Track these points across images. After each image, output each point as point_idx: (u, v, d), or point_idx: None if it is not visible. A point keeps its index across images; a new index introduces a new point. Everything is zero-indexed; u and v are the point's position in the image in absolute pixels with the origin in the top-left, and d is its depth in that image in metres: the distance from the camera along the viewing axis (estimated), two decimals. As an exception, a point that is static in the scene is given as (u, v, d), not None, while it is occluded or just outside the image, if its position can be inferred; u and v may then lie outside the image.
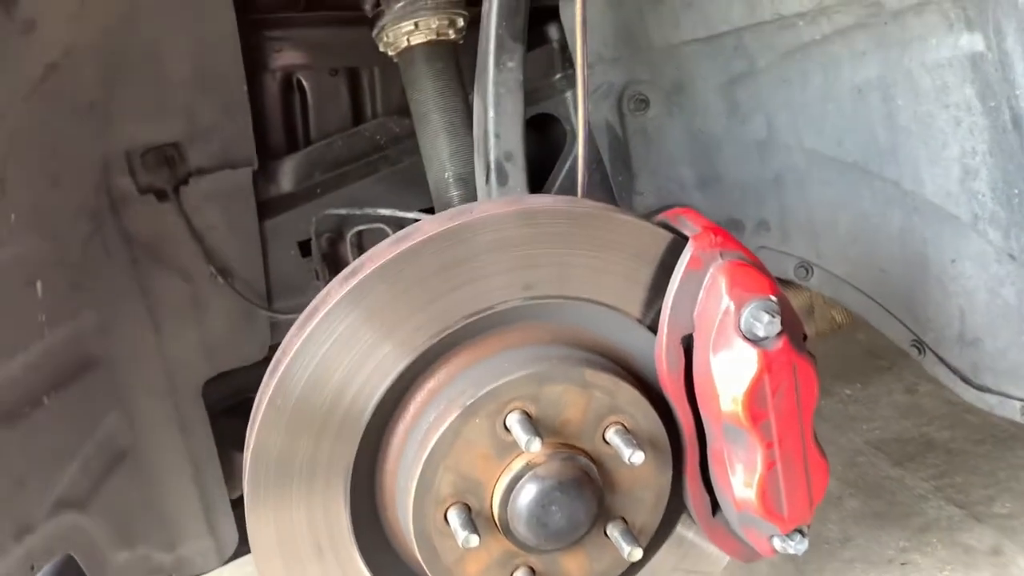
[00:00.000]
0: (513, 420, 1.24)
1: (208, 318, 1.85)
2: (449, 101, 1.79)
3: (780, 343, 1.24)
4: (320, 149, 2.00)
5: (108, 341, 1.71)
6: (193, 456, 1.87)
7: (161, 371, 1.81)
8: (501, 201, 1.41)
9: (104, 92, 1.62)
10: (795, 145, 1.78)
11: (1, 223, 1.47)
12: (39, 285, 1.55)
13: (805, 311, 2.00)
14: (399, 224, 1.78)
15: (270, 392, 1.22)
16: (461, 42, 1.84)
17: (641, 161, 1.91)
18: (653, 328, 1.33)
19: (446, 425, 1.23)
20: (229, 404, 1.98)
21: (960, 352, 1.71)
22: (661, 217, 1.36)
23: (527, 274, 1.27)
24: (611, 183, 1.93)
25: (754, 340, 1.24)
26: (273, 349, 1.68)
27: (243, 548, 1.96)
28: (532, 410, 1.25)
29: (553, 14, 1.93)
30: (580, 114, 1.47)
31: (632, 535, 1.32)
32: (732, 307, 1.25)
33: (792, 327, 1.27)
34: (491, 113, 1.57)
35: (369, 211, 1.87)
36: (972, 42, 1.50)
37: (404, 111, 1.94)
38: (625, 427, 1.29)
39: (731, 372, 1.25)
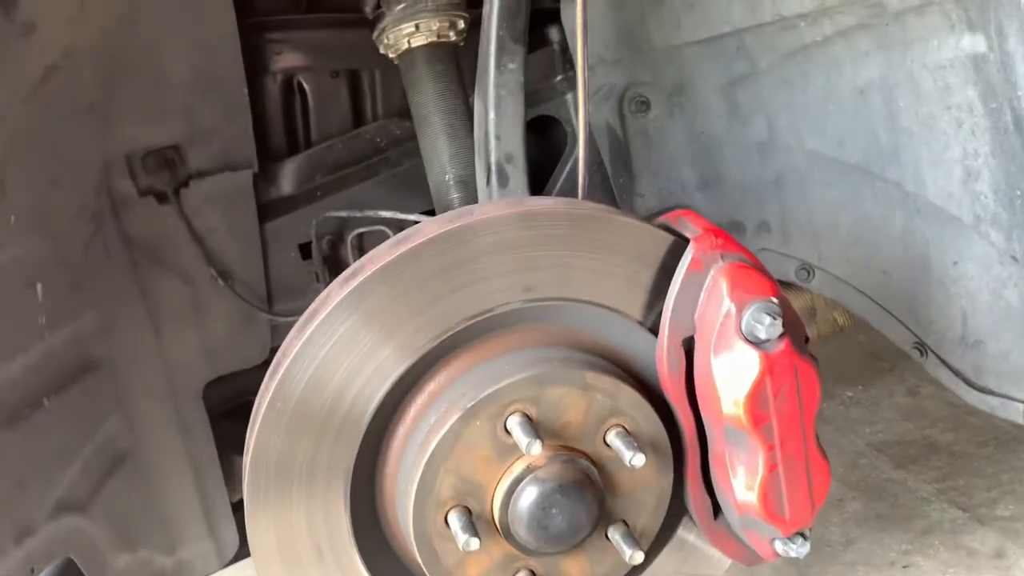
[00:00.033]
0: (514, 422, 1.24)
1: (208, 320, 1.85)
2: (450, 103, 1.79)
3: (782, 345, 1.24)
4: (321, 151, 2.00)
5: (108, 343, 1.71)
6: (193, 459, 1.87)
7: (161, 373, 1.81)
8: (502, 203, 1.41)
9: (104, 94, 1.62)
10: (796, 146, 1.77)
11: (1, 225, 1.47)
12: (39, 287, 1.55)
13: (806, 313, 1.99)
14: (400, 226, 1.78)
15: (270, 394, 1.22)
16: (462, 44, 1.84)
17: (642, 163, 1.91)
18: (654, 330, 1.32)
19: (447, 427, 1.22)
20: (229, 407, 1.97)
21: (962, 354, 1.71)
22: (662, 219, 1.36)
23: (528, 276, 1.27)
24: (612, 185, 1.93)
25: (755, 342, 1.24)
26: (274, 352, 1.68)
27: (244, 551, 1.96)
28: (533, 412, 1.25)
29: (554, 16, 1.93)
30: (581, 116, 1.47)
31: (633, 538, 1.31)
32: (733, 309, 1.24)
33: (793, 329, 1.27)
34: (492, 115, 1.57)
35: (370, 213, 1.87)
36: (974, 43, 1.50)
37: (405, 113, 1.94)
38: (626, 429, 1.29)
39: (732, 374, 1.24)
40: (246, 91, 1.80)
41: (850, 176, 1.73)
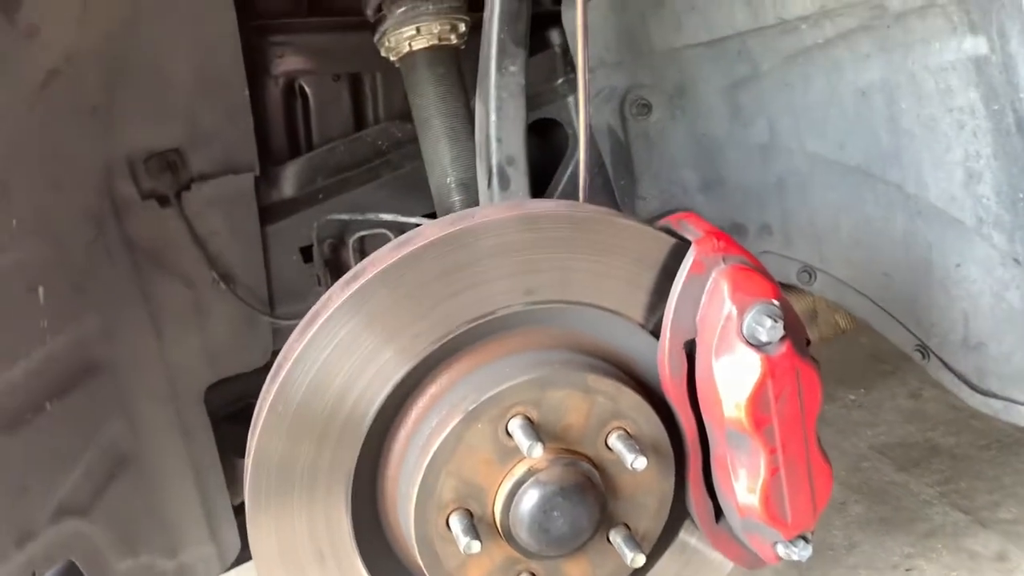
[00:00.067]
0: (515, 425, 1.24)
1: (210, 324, 1.85)
2: (451, 106, 1.79)
3: (783, 348, 1.24)
4: (322, 154, 2.00)
5: (110, 347, 1.71)
6: (195, 462, 1.87)
7: (163, 377, 1.81)
8: (503, 205, 1.41)
9: (106, 97, 1.62)
10: (797, 149, 1.77)
11: (3, 228, 1.47)
12: (41, 291, 1.55)
13: (808, 315, 1.99)
14: (401, 229, 1.78)
15: (271, 398, 1.22)
16: (463, 47, 1.84)
17: (643, 165, 1.91)
18: (655, 333, 1.32)
19: (448, 430, 1.22)
20: (231, 410, 1.98)
21: (964, 356, 1.71)
22: (663, 221, 1.36)
23: (529, 279, 1.27)
24: (613, 187, 1.93)
25: (757, 345, 1.23)
26: (275, 355, 1.68)
27: (245, 554, 1.96)
28: (534, 415, 1.25)
29: (555, 19, 1.93)
30: (581, 119, 1.47)
31: (635, 541, 1.31)
32: (735, 312, 1.24)
33: (795, 331, 1.27)
34: (493, 117, 1.57)
35: (371, 216, 1.87)
36: (976, 45, 1.50)
37: (406, 116, 1.94)
38: (628, 432, 1.29)
39: (734, 377, 1.24)
40: (247, 94, 1.80)
41: (851, 178, 1.73)
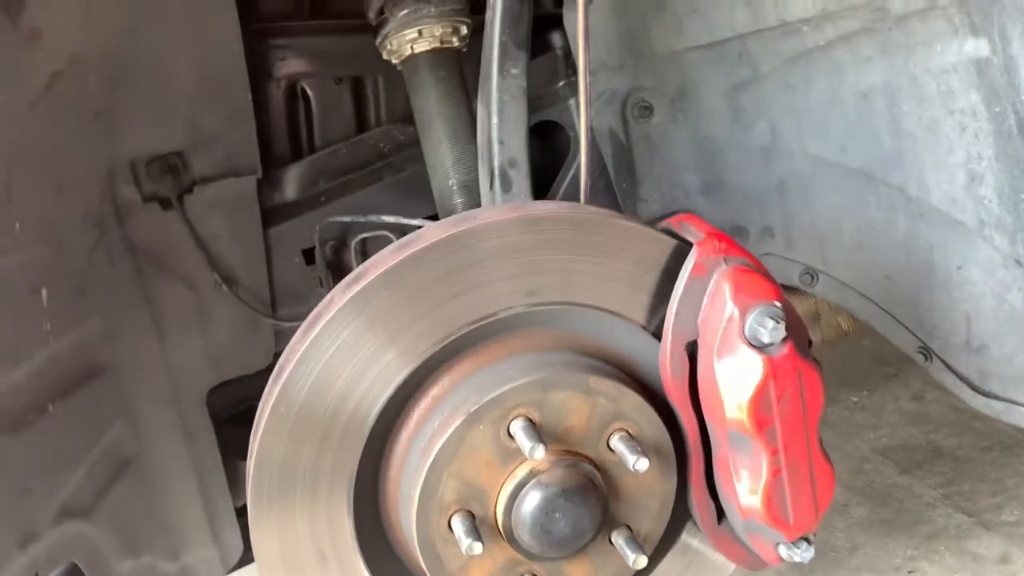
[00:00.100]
0: (517, 427, 1.24)
1: (212, 326, 1.86)
2: (453, 108, 1.79)
3: (785, 349, 1.24)
4: (324, 157, 2.01)
5: (113, 349, 1.71)
6: (197, 464, 1.87)
7: (165, 379, 1.81)
8: (504, 207, 1.41)
9: (109, 100, 1.63)
10: (799, 151, 1.77)
11: (6, 231, 1.47)
12: (44, 293, 1.55)
13: (810, 317, 1.99)
14: (403, 232, 1.78)
15: (273, 399, 1.22)
16: (465, 50, 1.84)
17: (645, 168, 1.91)
18: (657, 334, 1.32)
19: (450, 432, 1.22)
20: (233, 412, 1.98)
21: (967, 358, 1.71)
22: (665, 223, 1.36)
23: (530, 280, 1.27)
24: (615, 190, 1.93)
25: (759, 346, 1.23)
26: (277, 357, 1.68)
27: (247, 557, 1.96)
28: (536, 417, 1.25)
29: (557, 22, 1.93)
30: (582, 121, 1.47)
31: (637, 542, 1.31)
32: (736, 313, 1.24)
33: (797, 333, 1.27)
34: (495, 120, 1.57)
35: (373, 219, 1.87)
36: (977, 47, 1.50)
37: (408, 119, 1.95)
38: (629, 434, 1.29)
39: (736, 378, 1.24)
40: (250, 97, 1.80)
41: (853, 181, 1.73)
